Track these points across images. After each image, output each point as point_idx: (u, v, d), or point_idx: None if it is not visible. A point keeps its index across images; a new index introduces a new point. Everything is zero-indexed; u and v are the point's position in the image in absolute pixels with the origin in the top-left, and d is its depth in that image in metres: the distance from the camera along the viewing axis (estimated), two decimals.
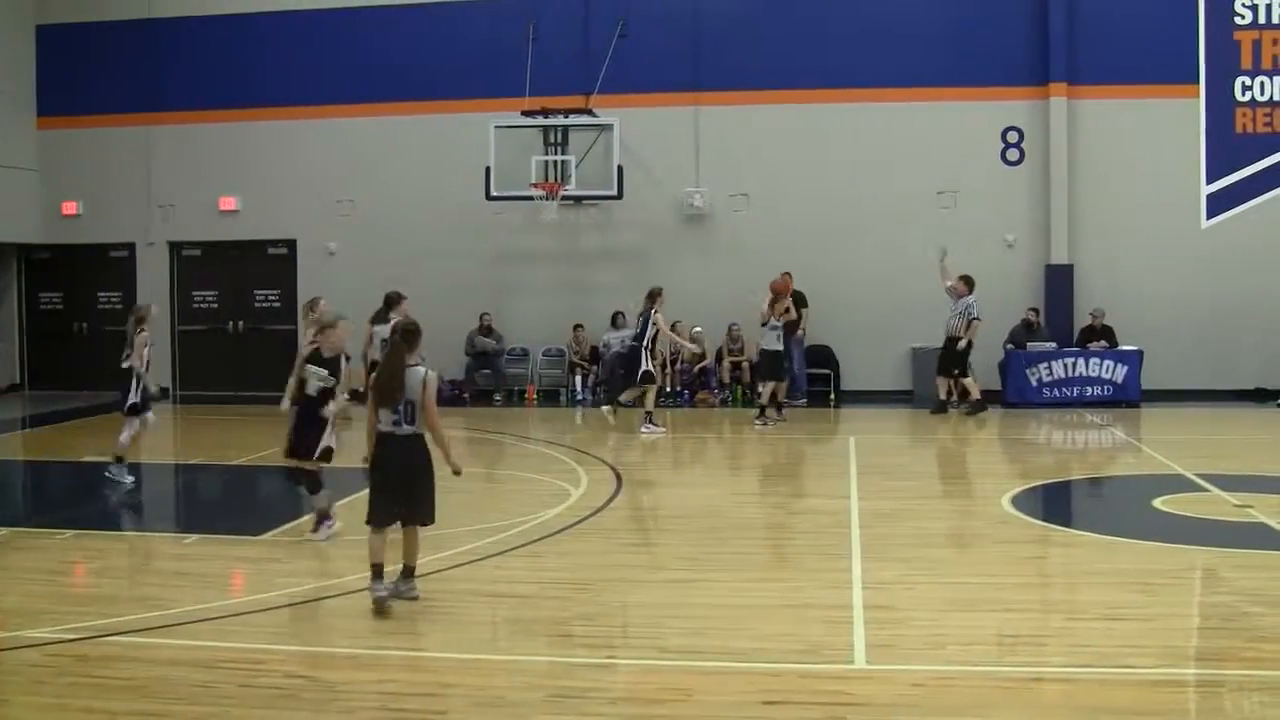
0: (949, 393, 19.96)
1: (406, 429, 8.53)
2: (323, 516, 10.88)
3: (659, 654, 7.64)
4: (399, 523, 8.64)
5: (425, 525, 8.73)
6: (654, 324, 18.00)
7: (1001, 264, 21.73)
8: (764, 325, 18.64)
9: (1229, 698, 6.81)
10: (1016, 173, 21.95)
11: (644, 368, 17.87)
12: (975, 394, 19.75)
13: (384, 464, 8.58)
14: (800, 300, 20.29)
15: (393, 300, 16.59)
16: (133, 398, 14.07)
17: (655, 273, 22.28)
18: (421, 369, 8.61)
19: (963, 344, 19.61)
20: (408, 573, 8.74)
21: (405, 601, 8.61)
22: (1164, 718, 6.56)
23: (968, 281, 19.83)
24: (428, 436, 8.64)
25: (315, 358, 10.90)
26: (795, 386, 20.80)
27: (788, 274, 19.58)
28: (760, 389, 19.00)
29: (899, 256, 21.70)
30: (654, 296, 18.17)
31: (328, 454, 10.80)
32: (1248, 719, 6.63)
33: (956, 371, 19.88)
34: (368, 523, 8.62)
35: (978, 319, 19.63)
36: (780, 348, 18.79)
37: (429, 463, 8.62)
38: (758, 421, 18.46)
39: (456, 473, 8.70)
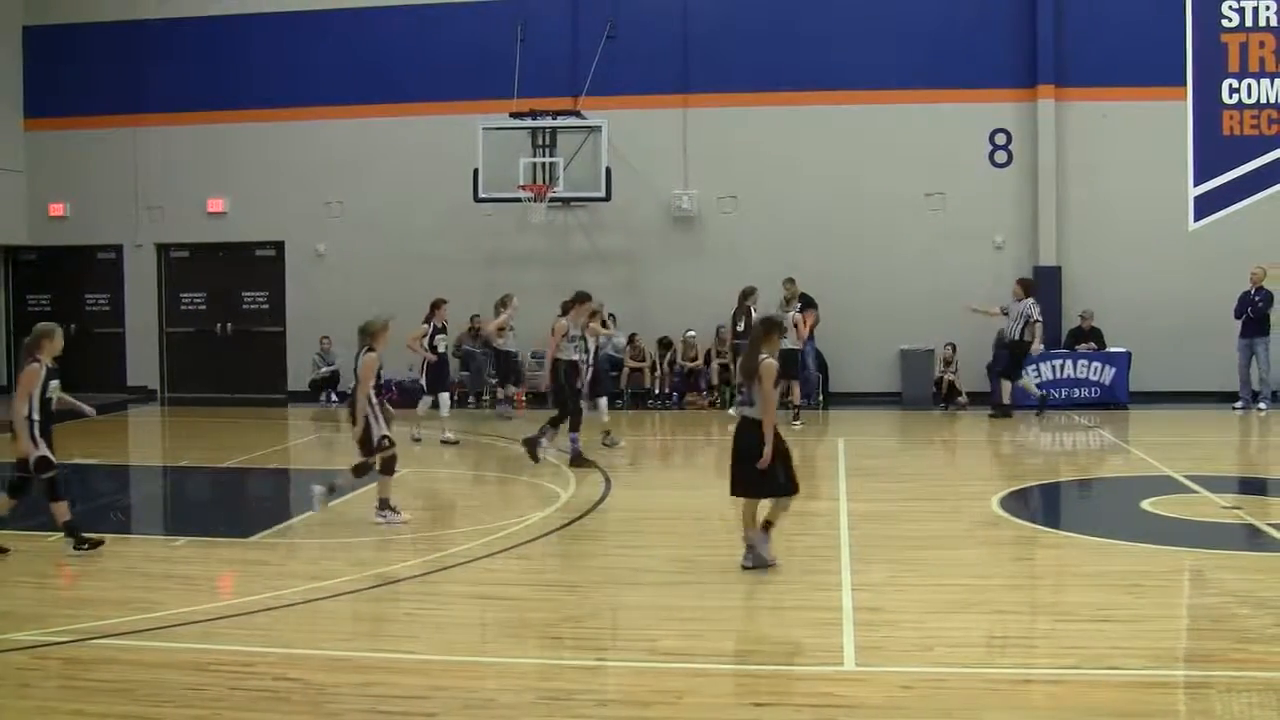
0: (1007, 395, 19.85)
1: (748, 411, 9.58)
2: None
3: (649, 656, 7.64)
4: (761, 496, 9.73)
5: (782, 495, 9.74)
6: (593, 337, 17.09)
7: (990, 266, 21.76)
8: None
9: (1217, 699, 6.82)
10: (1005, 175, 22.00)
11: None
12: (1005, 399, 19.77)
13: (735, 442, 9.78)
14: (809, 302, 20.29)
15: (436, 304, 17.67)
16: None
17: (644, 274, 22.35)
18: (763, 357, 9.53)
19: (1037, 346, 19.56)
20: (765, 527, 9.79)
21: (394, 604, 8.60)
22: (1153, 719, 6.58)
23: (1025, 285, 19.79)
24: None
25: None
26: (808, 389, 20.74)
27: (791, 280, 19.78)
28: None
29: (887, 258, 21.74)
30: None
31: None
32: None
33: (999, 371, 19.81)
34: (732, 494, 9.82)
35: (1039, 320, 19.55)
36: (798, 346, 18.70)
37: (759, 442, 9.44)
38: (796, 423, 18.40)
39: (766, 463, 9.48)
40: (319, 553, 10.43)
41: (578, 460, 14.99)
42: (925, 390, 21.45)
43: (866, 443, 17.55)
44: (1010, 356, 19.76)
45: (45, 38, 24.46)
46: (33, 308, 25.12)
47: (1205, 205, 21.54)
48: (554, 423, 15.43)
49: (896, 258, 21.72)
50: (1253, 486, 13.79)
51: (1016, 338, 19.61)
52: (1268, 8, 21.31)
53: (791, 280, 19.82)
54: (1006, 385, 19.88)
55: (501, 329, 19.90)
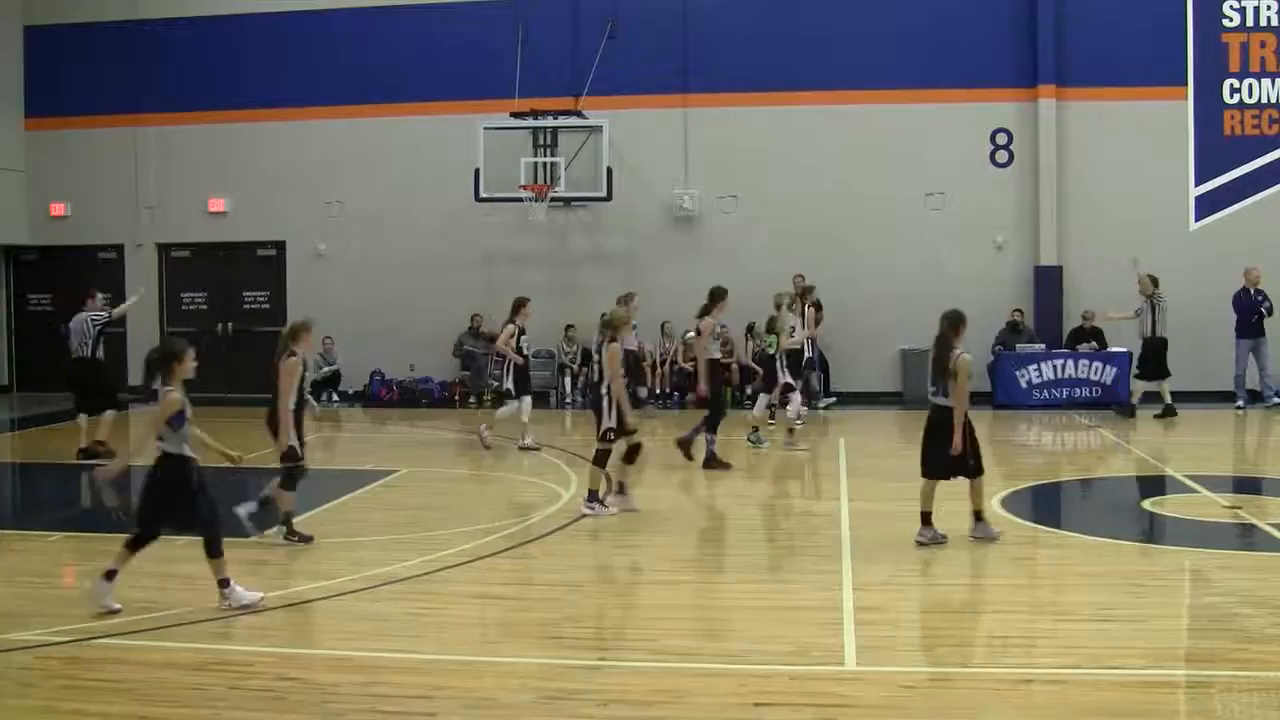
0: (1168, 396, 19.55)
1: (941, 400, 10.33)
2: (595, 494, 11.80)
3: (650, 655, 7.64)
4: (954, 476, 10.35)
5: (971, 477, 10.38)
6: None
7: (990, 265, 21.78)
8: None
9: (1219, 698, 6.82)
10: (1005, 174, 22.01)
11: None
12: (1136, 398, 19.52)
13: (928, 427, 10.55)
14: (815, 303, 20.25)
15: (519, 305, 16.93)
16: None
17: (645, 274, 22.32)
18: (957, 352, 10.37)
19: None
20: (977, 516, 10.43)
21: (395, 603, 8.60)
22: (1154, 718, 6.58)
23: (1154, 280, 19.57)
24: None
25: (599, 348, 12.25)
26: (812, 391, 20.64)
27: (800, 275, 19.81)
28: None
29: (888, 258, 21.74)
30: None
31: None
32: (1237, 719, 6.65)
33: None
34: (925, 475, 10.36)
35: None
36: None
37: (948, 427, 10.26)
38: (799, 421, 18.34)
39: (957, 450, 10.23)
40: (319, 553, 10.43)
41: (712, 462, 14.83)
42: (926, 390, 21.39)
43: (868, 442, 17.54)
44: (1157, 354, 19.44)
45: (46, 38, 24.47)
46: (33, 307, 25.17)
47: (1206, 205, 21.55)
48: (710, 424, 15.09)
49: (897, 257, 21.73)
50: (1253, 486, 13.79)
51: (1159, 333, 19.37)
52: (1268, 7, 21.32)
53: (802, 276, 19.82)
54: (1160, 385, 19.50)
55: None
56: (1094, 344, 21.07)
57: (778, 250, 21.43)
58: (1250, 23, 21.41)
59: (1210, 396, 20.51)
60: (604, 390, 11.95)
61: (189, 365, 8.69)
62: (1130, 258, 19.88)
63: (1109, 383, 20.72)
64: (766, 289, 19.03)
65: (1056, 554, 10.65)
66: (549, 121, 21.42)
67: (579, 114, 21.43)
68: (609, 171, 21.30)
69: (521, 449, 16.35)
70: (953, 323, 10.55)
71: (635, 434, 12.01)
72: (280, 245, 24.05)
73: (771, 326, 16.47)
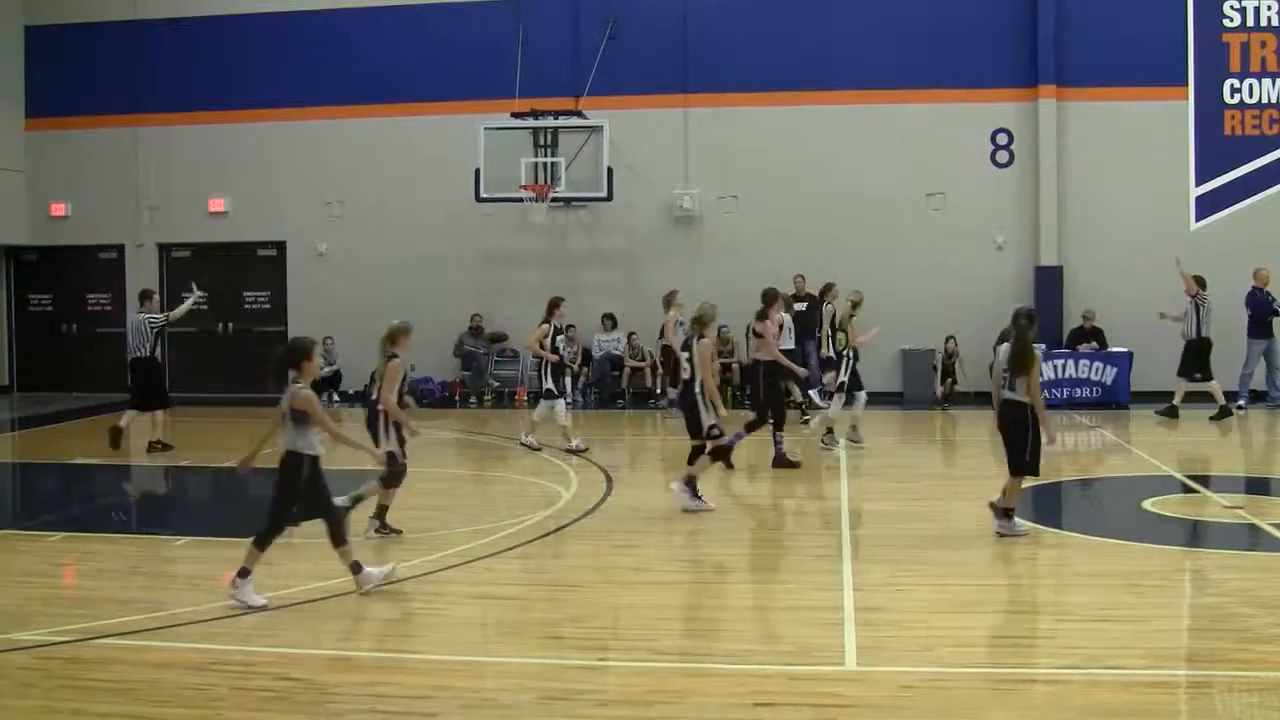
0: (1220, 400, 19.18)
1: (1014, 395, 10.40)
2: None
3: (650, 655, 7.64)
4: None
5: (1017, 475, 10.47)
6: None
7: (991, 266, 21.78)
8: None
9: (1219, 699, 6.82)
10: (1006, 174, 22.01)
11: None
12: (1178, 398, 19.13)
13: (1004, 425, 10.61)
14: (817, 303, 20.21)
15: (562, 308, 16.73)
16: None
17: (645, 274, 22.34)
18: (1033, 349, 10.39)
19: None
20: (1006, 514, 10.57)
21: (396, 603, 8.60)
22: (1154, 718, 6.58)
23: (1200, 281, 19.36)
24: None
25: (686, 345, 12.40)
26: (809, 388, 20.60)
27: (801, 275, 19.83)
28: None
29: (888, 258, 21.72)
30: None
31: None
32: None
33: (1198, 375, 19.14)
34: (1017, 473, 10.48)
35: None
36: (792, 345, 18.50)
37: (1026, 421, 10.34)
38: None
39: (1050, 441, 10.50)
40: (320, 552, 10.41)
41: (781, 462, 14.76)
42: (926, 390, 21.45)
43: (868, 442, 17.53)
44: (1196, 354, 19.21)
45: (46, 37, 24.47)
46: (34, 307, 25.19)
47: (1207, 205, 21.55)
48: (776, 424, 15.01)
49: (897, 257, 21.71)
50: (1254, 486, 13.79)
51: (1203, 334, 19.17)
52: (1269, 7, 21.33)
53: (802, 277, 19.80)
54: (1214, 385, 19.18)
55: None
56: (1094, 344, 21.07)
57: (778, 250, 21.41)
58: (1251, 23, 21.41)
59: (1210, 396, 20.49)
60: (697, 388, 12.11)
61: (318, 363, 9.07)
62: (1174, 258, 19.56)
63: (1109, 383, 20.72)
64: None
65: (1056, 554, 10.64)
66: (549, 121, 21.41)
67: (579, 114, 21.42)
68: (609, 171, 21.30)
69: (568, 452, 16.00)
70: (1031, 319, 10.57)
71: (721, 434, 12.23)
72: (280, 245, 24.06)
73: (840, 325, 16.36)
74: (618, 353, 22.19)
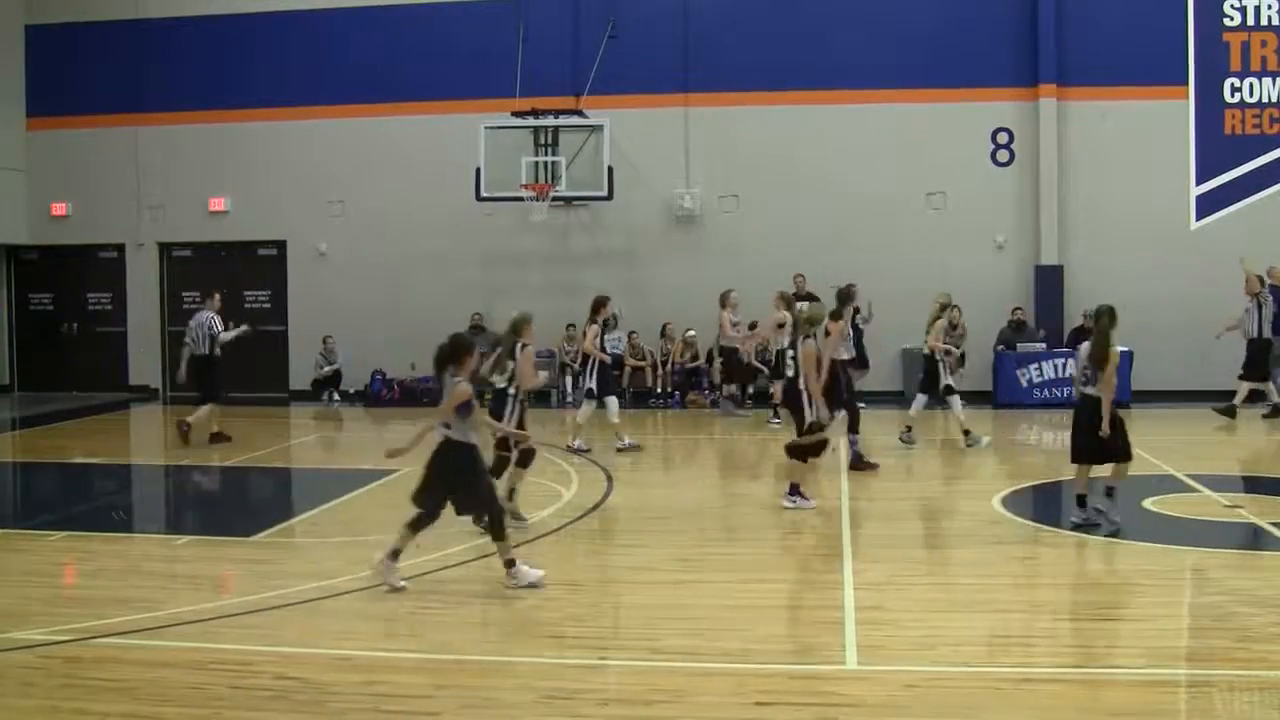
0: (1269, 398, 19.13)
1: (1091, 390, 11.01)
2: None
3: (650, 655, 7.64)
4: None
5: (1120, 460, 10.96)
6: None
7: (991, 265, 21.78)
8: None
9: (1219, 698, 6.82)
10: (1006, 174, 22.00)
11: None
12: (1239, 399, 18.81)
13: (1076, 414, 11.24)
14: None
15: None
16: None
17: (645, 274, 22.34)
18: (1112, 348, 11.08)
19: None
20: (1109, 493, 10.94)
21: (396, 602, 8.60)
22: (1154, 718, 6.58)
23: (1262, 279, 19.08)
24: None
25: (793, 345, 12.56)
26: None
27: (801, 275, 19.89)
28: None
29: (889, 257, 21.70)
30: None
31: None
32: (1238, 719, 6.65)
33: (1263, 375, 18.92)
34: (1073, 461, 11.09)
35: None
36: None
37: (1096, 412, 10.91)
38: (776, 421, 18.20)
39: (1106, 434, 10.84)
40: (320, 552, 10.44)
41: (858, 463, 14.66)
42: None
43: (868, 442, 17.50)
44: (1258, 354, 18.98)
45: (47, 37, 24.46)
46: (34, 307, 25.18)
47: (1207, 204, 21.54)
48: (850, 426, 14.93)
49: (897, 257, 21.69)
50: (1254, 485, 13.78)
51: (1265, 334, 18.95)
52: (1269, 6, 21.31)
53: (802, 276, 19.80)
54: (1245, 386, 18.94)
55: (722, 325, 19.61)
56: None
57: (778, 250, 21.42)
58: (1251, 22, 21.40)
59: (1211, 396, 20.47)
60: (801, 386, 12.23)
61: (477, 358, 9.62)
62: (1238, 257, 19.27)
63: None
64: (766, 289, 19.09)
65: (1057, 553, 10.65)
66: (550, 121, 21.39)
67: (580, 113, 21.41)
68: (610, 171, 21.28)
69: (619, 451, 15.98)
70: (1113, 316, 11.36)
71: (824, 431, 12.31)
72: (281, 245, 24.05)
73: (931, 328, 16.31)
74: (618, 352, 22.19)
